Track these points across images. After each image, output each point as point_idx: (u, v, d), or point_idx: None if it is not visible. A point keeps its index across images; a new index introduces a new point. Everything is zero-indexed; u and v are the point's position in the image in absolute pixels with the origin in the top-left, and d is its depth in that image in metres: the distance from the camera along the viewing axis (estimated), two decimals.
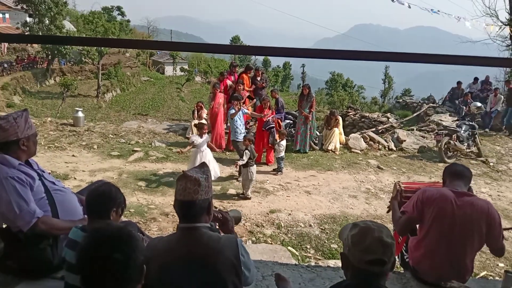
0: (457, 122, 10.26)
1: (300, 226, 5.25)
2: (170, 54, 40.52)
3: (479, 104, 11.72)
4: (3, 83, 23.95)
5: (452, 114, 12.90)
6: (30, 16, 29.58)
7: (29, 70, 28.33)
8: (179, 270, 1.68)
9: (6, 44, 30.77)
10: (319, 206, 5.96)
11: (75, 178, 6.62)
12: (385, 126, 11.60)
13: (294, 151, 8.90)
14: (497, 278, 4.03)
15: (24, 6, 28.08)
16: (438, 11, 15.69)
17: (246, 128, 8.33)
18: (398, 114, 14.68)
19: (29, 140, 2.46)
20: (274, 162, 7.80)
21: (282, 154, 7.49)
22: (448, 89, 15.06)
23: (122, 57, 37.60)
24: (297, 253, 4.49)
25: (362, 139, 9.74)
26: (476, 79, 14.65)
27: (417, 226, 2.75)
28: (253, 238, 4.84)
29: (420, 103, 16.08)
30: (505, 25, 14.79)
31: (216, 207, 2.18)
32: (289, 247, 4.55)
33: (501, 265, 4.44)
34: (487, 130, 11.85)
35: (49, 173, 2.71)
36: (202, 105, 10.01)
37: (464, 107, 12.36)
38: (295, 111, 10.04)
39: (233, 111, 7.29)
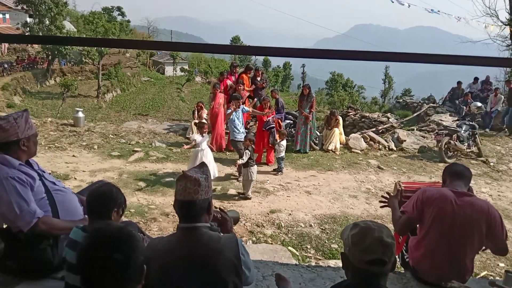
0: (457, 122, 10.25)
1: (301, 226, 5.25)
2: (170, 55, 40.52)
3: (479, 104, 11.71)
4: (4, 83, 23.95)
5: (452, 114, 12.90)
6: (30, 16, 29.59)
7: (29, 71, 28.33)
8: (180, 270, 1.68)
9: (7, 45, 30.77)
10: (319, 206, 5.96)
11: (75, 178, 6.62)
12: (385, 126, 11.60)
13: (294, 151, 8.90)
14: (497, 278, 4.03)
15: (24, 7, 28.08)
16: (438, 11, 15.70)
17: (246, 128, 8.32)
18: (398, 114, 14.68)
19: (29, 141, 2.46)
20: (275, 162, 7.80)
21: (283, 154, 7.49)
22: (448, 89, 15.07)
23: (122, 58, 37.59)
24: (297, 253, 4.49)
25: (362, 139, 9.74)
26: (476, 79, 14.65)
27: (417, 226, 2.75)
28: (254, 238, 4.84)
29: (420, 103, 16.09)
30: (505, 25, 14.80)
31: (216, 207, 2.18)
32: (289, 247, 4.55)
33: (502, 265, 4.43)
34: (487, 130, 11.85)
35: (50, 173, 2.71)
36: (202, 105, 10.01)
37: (464, 107, 12.35)
38: (295, 111, 10.04)
39: (229, 111, 7.26)
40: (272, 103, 8.90)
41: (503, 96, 12.43)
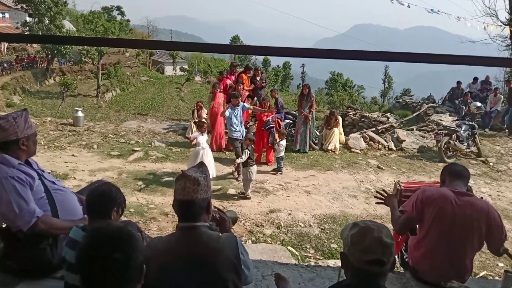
0: (457, 122, 10.25)
1: (300, 226, 5.25)
2: (170, 54, 40.48)
3: (479, 104, 11.72)
4: (3, 82, 23.94)
5: (452, 114, 12.90)
6: (30, 15, 29.59)
7: (29, 70, 28.33)
8: (179, 269, 1.68)
9: (6, 44, 30.75)
10: (319, 206, 5.96)
11: (74, 178, 6.62)
12: (385, 126, 11.60)
13: (294, 151, 8.90)
14: (497, 278, 4.03)
15: (24, 6, 28.08)
16: (438, 11, 15.70)
17: (246, 128, 8.31)
18: (398, 114, 14.68)
19: (28, 140, 2.46)
20: (274, 162, 7.79)
21: (282, 154, 7.49)
22: (448, 89, 15.07)
23: (122, 57, 37.60)
24: (297, 253, 4.49)
25: (362, 139, 9.75)
26: (475, 79, 14.66)
27: (417, 226, 2.75)
28: (253, 238, 4.84)
29: (420, 103, 16.09)
30: (505, 25, 14.80)
31: (216, 207, 2.19)
32: (289, 247, 4.55)
33: (501, 265, 4.44)
34: (487, 130, 11.85)
35: (49, 173, 2.71)
36: (202, 105, 10.01)
37: (464, 107, 12.35)
38: (295, 111, 10.04)
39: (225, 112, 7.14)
40: (272, 103, 8.89)
41: (502, 96, 12.44)
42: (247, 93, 9.69)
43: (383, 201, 2.97)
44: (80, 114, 10.62)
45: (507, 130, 11.59)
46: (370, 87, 45.14)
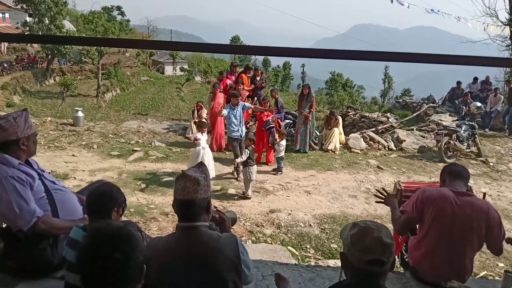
0: (457, 122, 10.26)
1: (300, 226, 5.25)
2: (170, 54, 40.47)
3: (479, 104, 11.73)
4: (3, 82, 23.94)
5: (452, 114, 12.91)
6: (30, 15, 29.59)
7: (29, 70, 28.33)
8: (179, 269, 1.68)
9: (6, 44, 30.75)
10: (319, 206, 5.96)
11: (75, 178, 6.62)
12: (385, 126, 11.60)
13: (294, 151, 8.90)
14: (497, 278, 4.03)
15: (24, 6, 28.09)
16: (438, 11, 15.69)
17: (246, 128, 8.31)
18: (398, 114, 14.68)
19: (29, 140, 2.46)
20: (274, 162, 7.80)
21: (282, 154, 7.49)
22: (448, 89, 15.06)
23: (122, 57, 37.59)
24: (297, 253, 4.49)
25: (362, 139, 9.75)
26: (475, 79, 14.66)
27: (417, 225, 2.75)
28: (253, 238, 4.84)
29: (420, 103, 16.09)
30: (505, 25, 14.80)
31: (215, 207, 2.19)
32: (289, 247, 4.55)
33: (501, 265, 4.44)
34: (487, 130, 11.85)
35: (49, 173, 2.71)
36: (202, 105, 10.01)
37: (464, 107, 12.36)
38: (295, 111, 10.04)
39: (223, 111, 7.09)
40: (272, 103, 8.90)
41: (502, 96, 12.44)
42: (247, 93, 9.69)
43: (383, 200, 2.97)
44: (80, 114, 10.63)
45: (507, 130, 11.59)
46: (370, 87, 45.14)
